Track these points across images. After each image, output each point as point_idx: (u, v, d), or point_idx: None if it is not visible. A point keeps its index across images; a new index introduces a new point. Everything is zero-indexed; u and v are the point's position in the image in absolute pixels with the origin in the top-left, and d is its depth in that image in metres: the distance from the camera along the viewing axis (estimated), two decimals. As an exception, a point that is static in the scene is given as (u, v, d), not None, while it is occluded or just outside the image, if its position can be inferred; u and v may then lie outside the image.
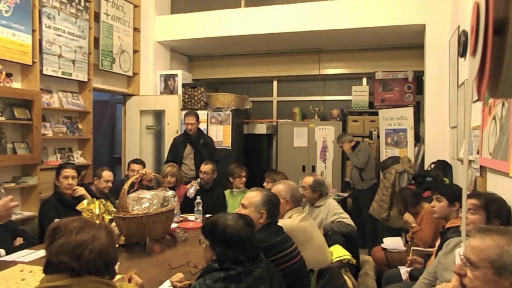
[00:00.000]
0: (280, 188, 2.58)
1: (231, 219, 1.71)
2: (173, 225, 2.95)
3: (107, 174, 3.56)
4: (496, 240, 1.28)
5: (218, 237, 1.67)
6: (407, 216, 3.30)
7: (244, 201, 2.19)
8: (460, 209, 2.57)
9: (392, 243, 3.39)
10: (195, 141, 4.57)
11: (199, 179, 3.90)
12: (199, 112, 5.47)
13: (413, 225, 3.20)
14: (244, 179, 4.10)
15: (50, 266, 1.23)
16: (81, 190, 3.08)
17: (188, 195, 3.78)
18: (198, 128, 4.66)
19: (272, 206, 2.16)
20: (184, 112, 5.42)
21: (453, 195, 2.61)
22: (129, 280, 1.79)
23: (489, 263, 1.26)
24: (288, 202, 2.55)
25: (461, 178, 3.59)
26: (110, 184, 3.57)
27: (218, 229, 1.68)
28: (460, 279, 1.38)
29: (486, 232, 1.32)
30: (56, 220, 2.45)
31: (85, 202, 2.72)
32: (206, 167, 4.02)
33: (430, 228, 3.07)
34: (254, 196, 2.17)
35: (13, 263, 2.25)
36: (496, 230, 1.33)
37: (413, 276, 2.58)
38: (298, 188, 2.71)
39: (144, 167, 4.02)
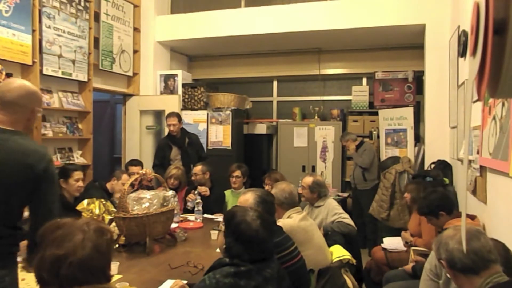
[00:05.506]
0: None
1: (250, 216, 1.68)
2: (173, 225, 2.96)
3: (126, 178, 3.61)
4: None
5: (232, 229, 1.66)
6: (404, 235, 3.35)
7: None
8: (449, 215, 2.57)
9: (392, 243, 3.39)
10: (180, 142, 4.50)
11: (197, 192, 3.75)
12: (199, 112, 5.50)
13: (411, 239, 3.23)
14: (234, 179, 3.98)
15: (36, 279, 1.14)
16: None
17: (186, 207, 3.80)
18: (182, 128, 4.58)
19: (268, 204, 2.13)
20: (184, 112, 5.44)
21: (432, 209, 2.59)
22: None
23: None
24: (276, 208, 2.37)
25: (461, 178, 3.59)
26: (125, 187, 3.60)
27: (235, 221, 1.67)
28: None
29: None
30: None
31: (85, 202, 2.73)
32: (196, 169, 4.02)
33: (429, 231, 3.07)
34: (247, 199, 2.11)
35: (13, 263, 2.25)
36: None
37: (415, 273, 2.58)
38: (288, 188, 2.56)
39: (142, 167, 4.02)
